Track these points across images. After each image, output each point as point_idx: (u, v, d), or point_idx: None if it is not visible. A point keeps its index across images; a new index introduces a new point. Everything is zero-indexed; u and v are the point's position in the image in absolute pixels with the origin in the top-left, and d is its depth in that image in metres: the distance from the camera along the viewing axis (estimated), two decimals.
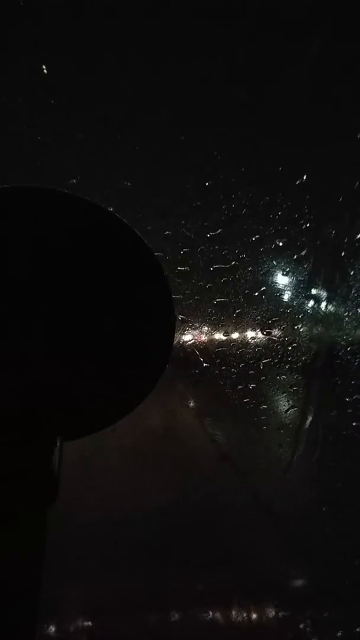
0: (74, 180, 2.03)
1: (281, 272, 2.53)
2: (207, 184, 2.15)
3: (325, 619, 1.82)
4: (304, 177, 2.09)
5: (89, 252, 0.52)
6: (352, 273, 2.48)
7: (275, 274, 2.52)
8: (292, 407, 2.68)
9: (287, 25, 1.83)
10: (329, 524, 2.34)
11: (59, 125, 1.91)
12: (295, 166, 2.09)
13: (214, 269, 2.40)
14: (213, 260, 2.37)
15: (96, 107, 1.91)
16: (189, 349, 2.77)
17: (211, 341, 2.79)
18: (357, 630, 1.74)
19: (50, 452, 0.44)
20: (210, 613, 1.93)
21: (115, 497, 2.39)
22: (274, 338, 2.70)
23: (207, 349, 2.79)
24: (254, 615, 1.88)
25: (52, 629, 1.61)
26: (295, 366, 2.67)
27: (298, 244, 2.40)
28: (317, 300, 2.67)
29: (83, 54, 1.85)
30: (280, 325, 2.74)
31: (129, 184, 2.06)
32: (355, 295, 2.57)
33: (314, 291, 2.61)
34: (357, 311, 2.59)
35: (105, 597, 1.89)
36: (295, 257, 2.46)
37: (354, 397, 2.43)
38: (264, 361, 2.66)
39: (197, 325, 2.70)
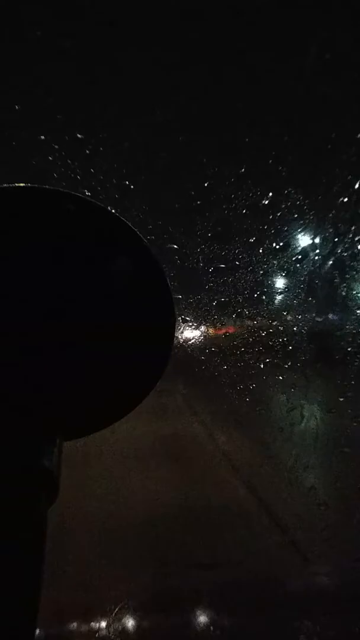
0: (74, 180, 2.03)
1: (281, 272, 2.53)
2: (207, 184, 2.15)
3: (327, 620, 1.82)
4: (306, 177, 2.09)
5: (88, 251, 0.52)
6: (351, 274, 2.48)
7: (275, 274, 2.52)
8: (292, 407, 2.69)
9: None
10: (330, 523, 2.34)
11: (58, 125, 1.91)
12: (296, 167, 2.09)
13: (214, 269, 2.41)
14: (213, 260, 2.37)
15: (96, 107, 1.91)
16: (189, 349, 2.78)
17: (211, 341, 2.79)
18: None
19: (50, 452, 0.44)
20: (211, 613, 1.93)
21: (115, 497, 2.40)
22: (274, 338, 2.71)
23: (207, 349, 2.80)
24: (255, 616, 1.89)
25: (52, 630, 1.61)
26: (295, 366, 2.68)
27: (298, 243, 2.40)
28: (317, 300, 2.68)
29: (84, 55, 1.85)
30: (280, 326, 2.74)
31: (129, 183, 2.06)
32: (355, 296, 2.57)
33: (314, 292, 2.61)
34: (357, 312, 2.60)
35: (105, 597, 1.89)
36: (295, 257, 2.47)
37: (354, 397, 2.43)
38: (264, 361, 2.67)
39: (197, 325, 2.71)
